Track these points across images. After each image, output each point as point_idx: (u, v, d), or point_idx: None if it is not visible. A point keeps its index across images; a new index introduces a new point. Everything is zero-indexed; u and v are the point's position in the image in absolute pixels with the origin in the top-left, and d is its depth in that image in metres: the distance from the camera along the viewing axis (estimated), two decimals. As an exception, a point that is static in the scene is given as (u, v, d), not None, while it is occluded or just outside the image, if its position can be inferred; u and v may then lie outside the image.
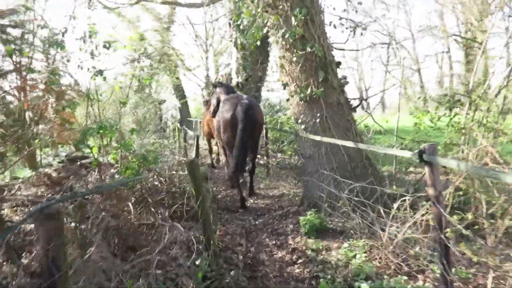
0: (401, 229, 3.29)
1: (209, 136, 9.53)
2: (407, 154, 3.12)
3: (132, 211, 3.90)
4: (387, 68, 26.25)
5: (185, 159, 6.33)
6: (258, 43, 6.51)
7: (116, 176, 4.91)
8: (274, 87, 15.52)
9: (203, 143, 11.61)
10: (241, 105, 5.52)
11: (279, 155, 9.36)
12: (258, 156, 7.73)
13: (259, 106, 6.69)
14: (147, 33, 20.97)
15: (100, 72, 5.30)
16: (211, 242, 3.66)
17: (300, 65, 4.95)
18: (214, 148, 10.55)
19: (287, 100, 5.47)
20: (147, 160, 4.86)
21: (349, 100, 5.21)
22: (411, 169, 5.89)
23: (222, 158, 9.44)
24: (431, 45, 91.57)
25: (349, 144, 4.23)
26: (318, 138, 4.77)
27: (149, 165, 4.95)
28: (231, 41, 12.20)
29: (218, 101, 6.60)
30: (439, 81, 36.72)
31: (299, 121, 5.27)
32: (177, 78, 27.79)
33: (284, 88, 5.29)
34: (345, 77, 5.15)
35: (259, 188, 7.27)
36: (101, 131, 4.55)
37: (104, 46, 5.41)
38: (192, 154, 8.00)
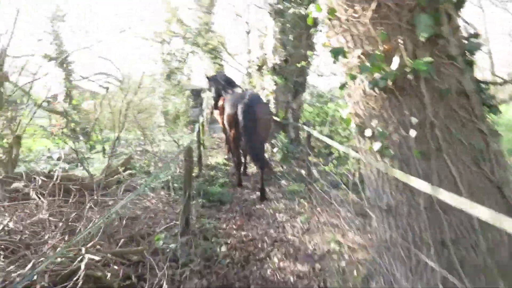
0: None
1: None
2: None
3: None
4: None
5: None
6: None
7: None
8: (324, 70, 12.37)
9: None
10: (241, 104, 5.71)
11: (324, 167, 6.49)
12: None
13: (264, 103, 6.53)
14: (184, 14, 18.65)
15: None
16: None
17: (376, 5, 2.11)
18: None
19: (342, 87, 2.57)
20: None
21: (482, 85, 2.28)
22: None
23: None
24: None
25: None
26: (418, 184, 1.91)
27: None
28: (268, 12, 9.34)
29: (218, 93, 7.33)
30: None
31: (368, 132, 2.42)
32: (220, 65, 25.47)
33: (335, 62, 2.43)
34: (475, 33, 2.21)
35: (291, 226, 4.54)
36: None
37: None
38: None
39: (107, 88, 10.99)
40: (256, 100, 5.97)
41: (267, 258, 3.85)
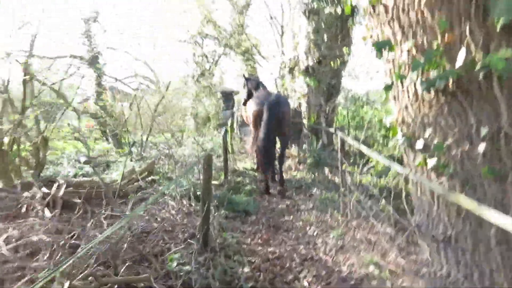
0: None
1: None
2: None
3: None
4: None
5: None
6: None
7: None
8: (360, 73, 11.77)
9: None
10: (268, 101, 5.85)
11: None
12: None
13: (285, 101, 6.47)
14: (218, 15, 18.48)
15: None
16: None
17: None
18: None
19: (388, 88, 2.09)
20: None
21: None
22: None
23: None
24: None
25: None
26: (488, 212, 1.43)
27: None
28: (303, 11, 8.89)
29: (249, 93, 7.30)
30: None
31: (420, 144, 1.94)
32: (252, 67, 25.18)
33: (379, 57, 1.97)
34: None
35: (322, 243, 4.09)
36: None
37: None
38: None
39: (136, 89, 10.92)
40: (284, 102, 6.18)
41: (296, 281, 3.42)
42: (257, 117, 6.05)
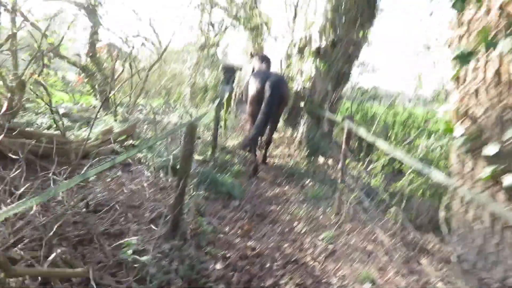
0: None
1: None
2: None
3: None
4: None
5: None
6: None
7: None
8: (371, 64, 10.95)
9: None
10: (269, 81, 5.76)
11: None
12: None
13: (286, 82, 6.73)
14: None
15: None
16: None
17: None
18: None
19: (465, 57, 1.46)
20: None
21: None
22: None
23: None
24: None
25: None
26: None
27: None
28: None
29: (253, 70, 7.02)
30: None
31: (491, 150, 1.32)
32: (260, 46, 24.21)
33: (460, 7, 1.35)
34: None
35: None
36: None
37: None
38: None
39: (132, 48, 10.13)
40: (284, 83, 6.30)
41: (275, 288, 2.87)
42: (257, 95, 5.90)
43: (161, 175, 4.43)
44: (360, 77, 10.59)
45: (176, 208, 2.95)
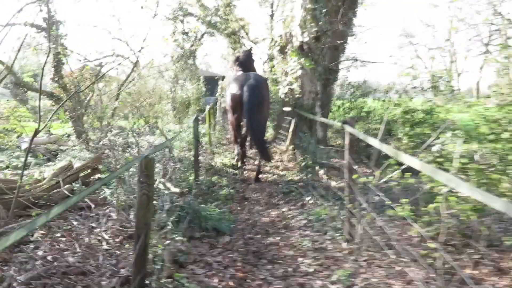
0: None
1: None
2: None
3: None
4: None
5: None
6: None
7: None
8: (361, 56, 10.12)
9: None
10: (246, 85, 5.64)
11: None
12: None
13: (265, 82, 6.51)
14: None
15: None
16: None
17: None
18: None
19: None
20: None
21: None
22: None
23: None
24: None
25: None
26: None
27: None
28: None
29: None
30: None
31: None
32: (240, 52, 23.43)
33: None
34: None
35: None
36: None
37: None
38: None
39: (101, 66, 9.32)
40: (261, 80, 6.21)
41: None
42: (236, 101, 5.82)
43: (131, 216, 3.62)
44: (348, 72, 9.79)
45: (137, 275, 2.15)
